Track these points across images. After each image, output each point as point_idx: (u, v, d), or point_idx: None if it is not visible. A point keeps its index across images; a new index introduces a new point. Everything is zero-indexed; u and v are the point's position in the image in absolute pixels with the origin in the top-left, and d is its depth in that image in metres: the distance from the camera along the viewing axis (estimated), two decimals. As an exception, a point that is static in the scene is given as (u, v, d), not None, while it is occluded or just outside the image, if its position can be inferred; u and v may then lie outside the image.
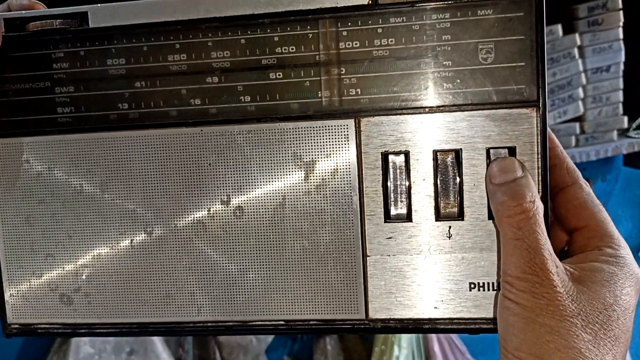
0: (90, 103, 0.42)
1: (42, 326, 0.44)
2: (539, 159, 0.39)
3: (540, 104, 0.38)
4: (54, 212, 0.43)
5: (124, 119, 0.42)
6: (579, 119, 1.41)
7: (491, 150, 0.39)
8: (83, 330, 0.44)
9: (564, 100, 1.37)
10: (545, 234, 0.36)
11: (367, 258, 0.41)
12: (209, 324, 0.43)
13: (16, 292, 0.44)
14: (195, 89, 0.41)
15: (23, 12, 0.42)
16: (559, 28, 1.35)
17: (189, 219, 0.42)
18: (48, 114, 0.43)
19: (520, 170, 0.37)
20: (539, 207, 0.36)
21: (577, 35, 1.37)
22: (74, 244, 0.43)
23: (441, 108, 0.39)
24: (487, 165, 0.39)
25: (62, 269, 0.43)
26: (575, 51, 1.37)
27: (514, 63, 0.38)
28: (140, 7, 0.41)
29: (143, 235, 0.42)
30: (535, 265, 0.35)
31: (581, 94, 1.38)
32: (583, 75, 1.38)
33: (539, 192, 0.39)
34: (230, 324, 0.42)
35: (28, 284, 0.44)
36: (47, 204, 0.43)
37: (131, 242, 0.42)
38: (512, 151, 0.39)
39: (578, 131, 1.41)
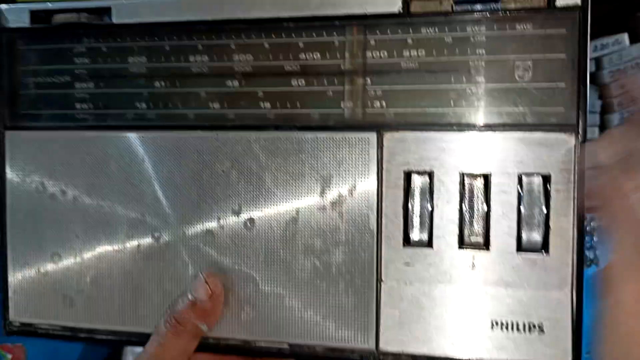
0: (109, 100, 0.41)
1: (43, 326, 0.43)
2: (575, 190, 0.35)
3: (580, 129, 0.35)
4: (64, 209, 0.42)
5: (141, 118, 0.40)
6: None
7: (523, 178, 0.36)
8: (83, 335, 0.42)
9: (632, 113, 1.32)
10: None
11: (381, 284, 0.38)
12: (211, 341, 0.40)
13: (20, 289, 0.43)
14: (214, 92, 0.39)
15: (49, 3, 0.41)
16: (625, 37, 1.30)
17: (199, 226, 0.40)
18: (67, 109, 0.42)
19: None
20: None
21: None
22: (81, 243, 0.42)
23: (471, 127, 0.36)
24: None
25: (67, 269, 0.42)
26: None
27: (553, 83, 0.35)
28: (164, 5, 0.40)
29: (150, 240, 0.41)
30: None
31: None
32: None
33: (574, 226, 0.35)
34: (233, 342, 0.40)
35: (32, 281, 0.43)
36: (57, 201, 0.42)
37: (138, 247, 0.41)
38: (546, 179, 0.36)
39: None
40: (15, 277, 0.43)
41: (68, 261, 0.42)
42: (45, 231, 0.42)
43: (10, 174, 0.42)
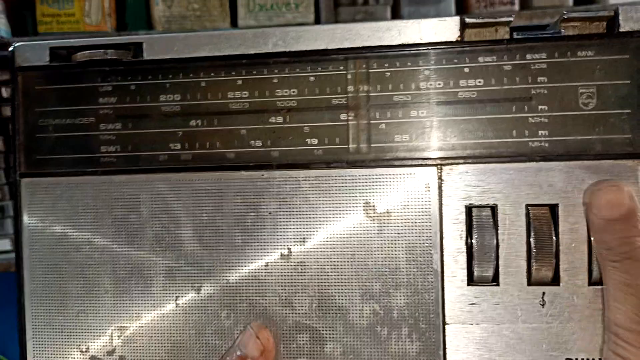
0: (139, 142, 0.38)
1: (67, 394, 0.39)
2: None
3: None
4: (91, 261, 0.38)
5: (176, 160, 0.37)
6: None
7: None
8: (114, 400, 0.38)
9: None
10: None
11: (447, 326, 0.36)
12: (260, 398, 0.37)
13: (40, 352, 0.39)
14: (257, 129, 0.37)
15: (71, 40, 0.38)
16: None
17: (244, 274, 0.37)
18: (90, 152, 0.38)
19: (631, 202, 0.32)
20: None
21: None
22: (110, 299, 0.38)
23: (535, 157, 0.35)
24: (589, 188, 0.34)
25: (95, 328, 0.38)
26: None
27: (619, 110, 0.34)
28: (200, 39, 0.37)
29: (190, 292, 0.37)
30: None
31: None
32: None
33: None
34: (286, 398, 0.37)
35: (55, 343, 0.38)
36: (83, 253, 0.38)
37: (176, 300, 0.37)
38: None
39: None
40: (36, 340, 0.39)
41: (96, 319, 0.38)
42: (70, 286, 0.38)
43: (28, 225, 0.39)
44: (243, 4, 1.19)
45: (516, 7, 1.23)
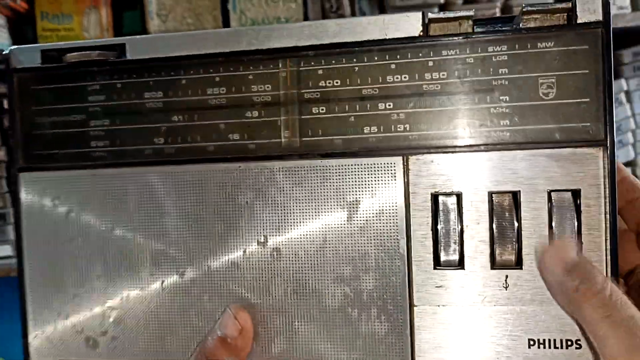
0: (126, 137, 0.40)
1: (66, 371, 0.42)
2: (607, 204, 0.35)
3: (608, 143, 0.35)
4: (83, 250, 0.41)
5: (160, 153, 0.40)
6: (631, 163, 1.36)
7: (553, 194, 0.36)
8: (108, 377, 0.41)
9: (614, 146, 1.33)
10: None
11: (414, 308, 0.37)
12: (241, 374, 0.39)
13: (41, 332, 0.42)
14: (234, 123, 0.39)
15: (60, 42, 0.41)
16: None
17: (224, 259, 0.39)
18: (82, 147, 0.41)
19: (574, 250, 0.34)
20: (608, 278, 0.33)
21: (623, 81, 1.33)
22: (102, 284, 0.41)
23: (498, 146, 0.36)
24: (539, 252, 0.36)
25: (89, 310, 0.41)
26: (623, 96, 1.33)
27: (578, 99, 0.35)
28: (179, 40, 0.39)
29: (175, 276, 0.40)
30: None
31: (631, 139, 1.34)
32: (632, 119, 1.34)
33: (606, 240, 0.35)
34: (263, 375, 0.39)
35: (53, 325, 0.42)
36: (76, 242, 0.41)
37: (162, 284, 0.40)
38: (576, 194, 0.36)
39: (629, 176, 1.36)
40: (36, 321, 0.42)
41: (90, 303, 0.41)
42: (65, 273, 0.41)
43: (26, 217, 0.42)
44: (235, 18, 1.21)
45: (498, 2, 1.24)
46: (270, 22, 1.21)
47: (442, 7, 1.28)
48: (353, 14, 1.24)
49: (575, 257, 0.34)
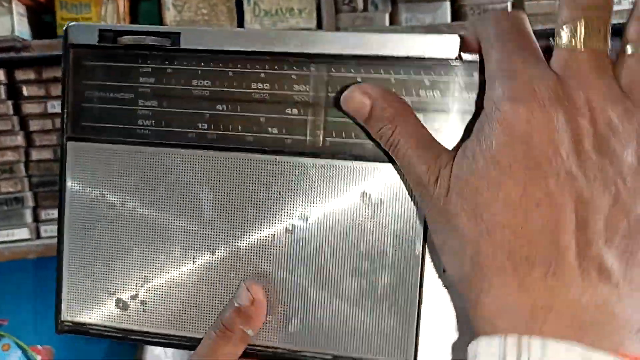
0: (171, 119, 0.43)
1: (95, 327, 0.46)
2: None
3: None
4: (122, 219, 0.44)
5: (203, 138, 0.43)
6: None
7: None
8: (135, 337, 0.45)
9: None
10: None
11: (422, 305, 0.41)
12: (258, 348, 0.43)
13: (74, 290, 0.45)
14: (274, 118, 0.42)
15: (117, 25, 0.43)
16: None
17: (252, 242, 0.43)
18: (128, 124, 0.44)
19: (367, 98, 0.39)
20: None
21: None
22: (137, 253, 0.44)
23: None
24: None
25: (122, 275, 0.45)
26: None
27: None
28: (231, 35, 0.42)
29: (207, 254, 0.43)
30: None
31: None
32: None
33: None
34: (280, 351, 0.43)
35: (86, 284, 0.45)
36: (116, 211, 0.44)
37: (193, 259, 0.44)
38: None
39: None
40: (70, 279, 0.45)
41: (123, 269, 0.45)
42: (102, 240, 0.45)
43: (70, 183, 0.45)
44: (249, 9, 1.24)
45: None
46: (283, 13, 1.23)
47: (453, 2, 1.31)
48: (365, 8, 1.27)
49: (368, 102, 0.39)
